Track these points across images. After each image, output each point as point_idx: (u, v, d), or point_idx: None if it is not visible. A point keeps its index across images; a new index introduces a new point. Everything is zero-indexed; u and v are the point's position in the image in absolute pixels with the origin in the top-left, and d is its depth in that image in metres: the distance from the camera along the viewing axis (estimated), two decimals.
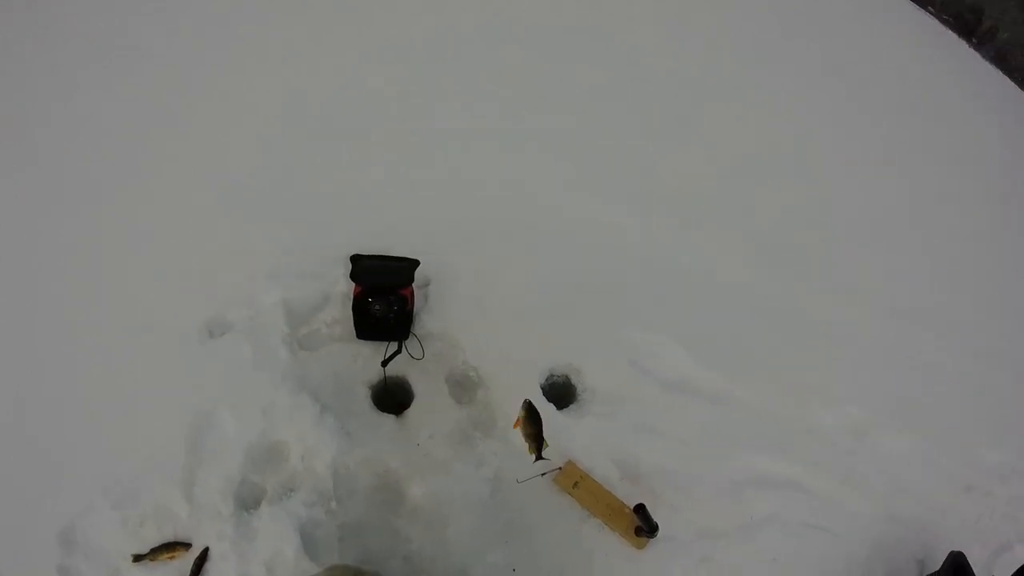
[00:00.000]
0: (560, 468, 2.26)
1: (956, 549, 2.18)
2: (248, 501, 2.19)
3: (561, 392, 2.53)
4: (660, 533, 2.13)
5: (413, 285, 2.46)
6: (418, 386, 2.45)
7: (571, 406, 2.49)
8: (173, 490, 2.15)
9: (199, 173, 2.96)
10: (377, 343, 2.46)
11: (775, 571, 2.25)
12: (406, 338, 2.46)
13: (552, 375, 2.54)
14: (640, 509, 2.07)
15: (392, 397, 2.47)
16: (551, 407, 2.40)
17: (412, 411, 2.40)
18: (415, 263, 2.50)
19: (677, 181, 3.40)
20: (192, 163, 2.99)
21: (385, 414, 2.40)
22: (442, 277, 2.67)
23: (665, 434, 2.42)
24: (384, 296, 2.36)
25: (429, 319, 2.56)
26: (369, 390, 2.44)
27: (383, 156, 3.15)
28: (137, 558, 2.05)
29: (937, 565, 2.21)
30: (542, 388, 2.47)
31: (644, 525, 2.10)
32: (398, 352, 2.41)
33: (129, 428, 2.26)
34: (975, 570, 2.12)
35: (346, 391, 2.42)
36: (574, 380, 2.53)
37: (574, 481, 2.25)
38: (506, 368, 2.46)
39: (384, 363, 2.37)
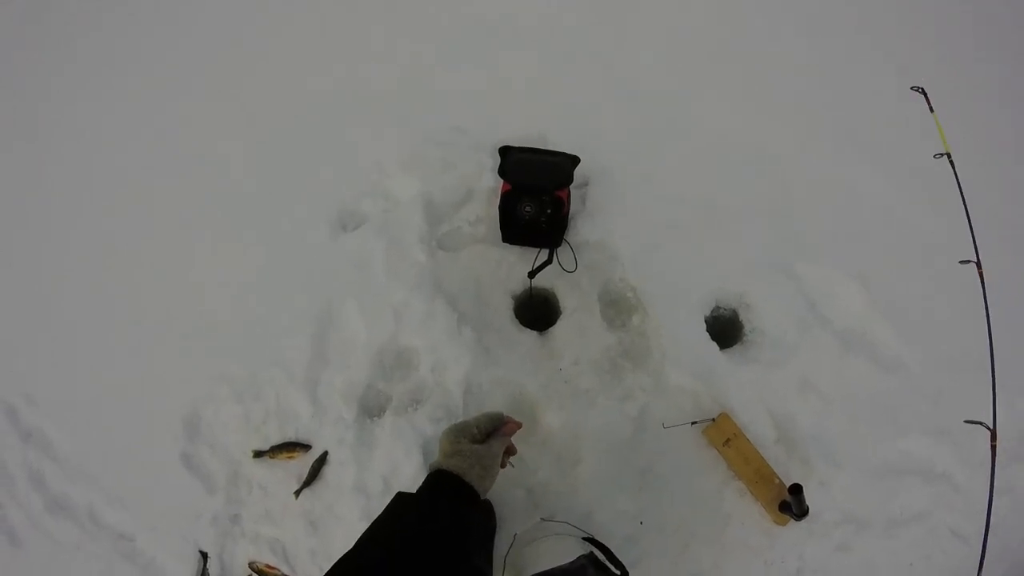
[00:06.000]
0: (713, 420, 1.94)
1: None
2: (372, 408, 2.00)
3: (727, 328, 2.18)
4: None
5: (570, 186, 2.08)
6: (566, 301, 2.12)
7: (735, 346, 2.14)
8: (297, 390, 1.98)
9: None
10: (524, 249, 2.13)
11: None
12: (558, 246, 2.11)
13: (719, 307, 2.17)
14: (797, 490, 1.75)
15: (536, 312, 2.17)
16: (714, 346, 2.06)
17: (557, 330, 2.09)
18: (575, 160, 2.11)
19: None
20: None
21: (527, 330, 2.11)
22: (603, 179, 2.26)
23: (830, 398, 2.02)
24: (537, 196, 2.00)
25: (585, 226, 2.18)
26: (512, 301, 2.15)
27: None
28: (257, 454, 1.94)
29: None
30: (706, 321, 2.12)
31: (795, 507, 1.78)
32: (548, 262, 2.07)
33: (256, 322, 2.09)
34: None
35: (486, 300, 2.13)
36: (742, 316, 2.16)
37: (726, 438, 1.92)
38: (669, 291, 2.10)
39: (531, 273, 2.05)
